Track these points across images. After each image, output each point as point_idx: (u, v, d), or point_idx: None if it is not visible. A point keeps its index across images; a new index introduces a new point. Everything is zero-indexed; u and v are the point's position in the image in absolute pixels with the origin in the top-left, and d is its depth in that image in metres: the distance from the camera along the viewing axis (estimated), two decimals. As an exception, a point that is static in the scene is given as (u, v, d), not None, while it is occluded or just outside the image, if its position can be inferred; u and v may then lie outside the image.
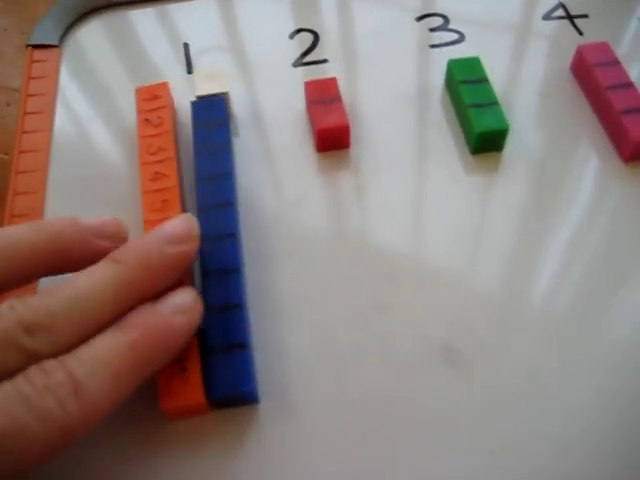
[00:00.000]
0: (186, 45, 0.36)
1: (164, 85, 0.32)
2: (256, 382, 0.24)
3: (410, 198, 0.29)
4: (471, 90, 0.30)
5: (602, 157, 0.30)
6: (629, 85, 0.30)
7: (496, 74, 0.32)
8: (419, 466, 0.23)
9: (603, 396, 0.24)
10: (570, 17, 0.36)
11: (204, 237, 0.26)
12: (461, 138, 0.31)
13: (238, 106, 0.33)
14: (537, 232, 0.28)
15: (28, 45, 0.36)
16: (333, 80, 0.32)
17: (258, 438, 0.23)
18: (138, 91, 0.32)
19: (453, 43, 0.35)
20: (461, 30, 0.36)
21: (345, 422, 0.23)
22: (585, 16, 0.36)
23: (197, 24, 0.37)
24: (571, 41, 0.34)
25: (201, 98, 0.31)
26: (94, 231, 0.24)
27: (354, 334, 0.25)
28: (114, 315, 0.21)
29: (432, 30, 0.36)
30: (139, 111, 0.31)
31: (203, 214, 0.27)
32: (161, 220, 0.24)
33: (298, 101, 0.33)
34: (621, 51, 0.33)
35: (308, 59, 0.35)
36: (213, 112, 0.30)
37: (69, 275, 0.22)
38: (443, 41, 0.35)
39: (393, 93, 0.33)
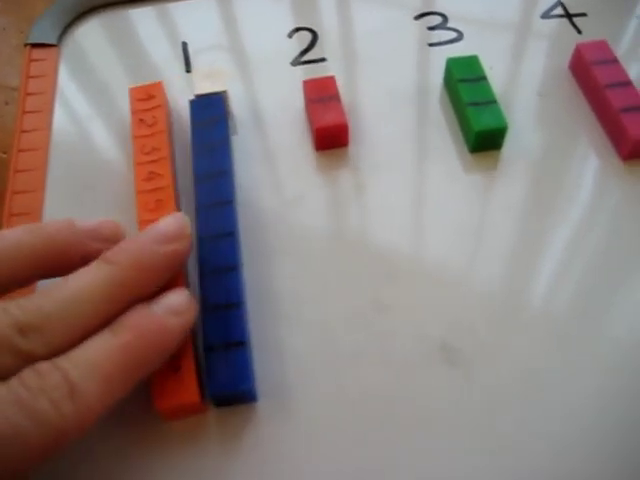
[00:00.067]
0: (184, 44, 0.36)
1: (158, 85, 0.32)
2: (255, 381, 0.24)
3: (409, 197, 0.29)
4: (470, 88, 0.30)
5: (601, 155, 0.30)
6: (628, 83, 0.30)
7: (495, 72, 0.32)
8: (419, 466, 0.22)
9: (603, 396, 0.24)
10: (569, 15, 0.36)
11: (203, 235, 0.26)
12: (460, 137, 0.31)
13: (237, 105, 0.33)
14: (536, 231, 0.28)
15: (27, 44, 0.36)
16: (331, 79, 0.32)
17: (256, 437, 0.23)
18: (132, 91, 0.31)
19: (452, 42, 0.35)
20: (460, 29, 0.36)
21: (344, 422, 0.23)
22: (584, 14, 0.36)
23: (196, 23, 0.37)
24: (570, 39, 0.34)
25: (200, 97, 0.31)
26: (90, 233, 0.24)
27: (353, 333, 0.25)
28: (108, 316, 0.21)
29: (431, 29, 0.36)
30: (133, 111, 0.31)
31: (202, 212, 0.27)
32: (155, 220, 0.24)
33: (297, 100, 0.33)
34: (620, 49, 0.33)
35: (307, 58, 0.35)
36: (212, 110, 0.30)
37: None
38: (442, 40, 0.35)
39: (392, 91, 0.33)
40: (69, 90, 0.34)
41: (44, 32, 0.36)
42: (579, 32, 0.35)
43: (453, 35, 0.35)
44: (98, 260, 0.22)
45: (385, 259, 0.27)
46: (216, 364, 0.23)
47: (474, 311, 0.26)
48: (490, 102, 0.30)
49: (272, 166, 0.31)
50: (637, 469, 0.22)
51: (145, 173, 0.28)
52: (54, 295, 0.21)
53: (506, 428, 0.23)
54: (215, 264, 0.25)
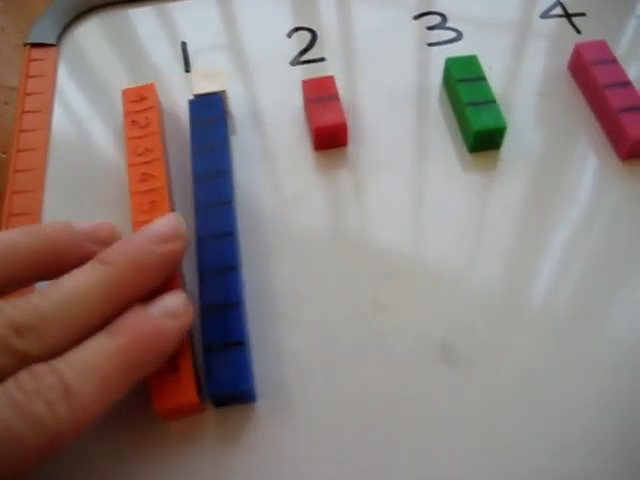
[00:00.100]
0: (184, 44, 0.36)
1: (151, 86, 0.32)
2: (253, 380, 0.24)
3: (408, 196, 0.29)
4: (469, 88, 0.30)
5: (600, 155, 0.30)
6: (627, 83, 0.30)
7: (494, 72, 0.32)
8: (419, 466, 0.22)
9: (603, 396, 0.24)
10: (568, 15, 0.36)
11: (202, 235, 0.26)
12: (459, 136, 0.31)
13: (236, 104, 0.33)
14: (535, 230, 0.28)
15: (26, 44, 0.36)
16: (330, 78, 0.32)
17: (255, 437, 0.23)
18: (125, 92, 0.31)
19: (451, 41, 0.35)
20: (459, 28, 0.36)
21: (343, 422, 0.23)
22: (583, 14, 0.36)
23: (195, 23, 0.37)
24: (569, 39, 0.34)
25: (199, 96, 0.31)
26: (88, 235, 0.24)
27: (353, 333, 0.25)
28: (104, 316, 0.21)
29: (430, 28, 0.36)
30: (126, 113, 0.31)
31: (201, 212, 0.27)
32: (150, 221, 0.24)
33: (296, 99, 0.33)
34: (619, 49, 0.33)
35: (306, 57, 0.35)
36: (211, 110, 0.30)
37: None
38: (441, 39, 0.35)
39: (391, 91, 0.33)
40: (68, 90, 0.34)
41: (43, 32, 0.36)
42: (578, 32, 0.35)
43: (452, 35, 0.35)
44: (93, 260, 0.22)
45: (384, 259, 0.27)
46: (215, 364, 0.23)
47: (474, 311, 0.26)
48: (489, 102, 0.30)
49: (271, 166, 0.31)
50: (637, 469, 0.22)
51: (138, 174, 0.28)
52: (50, 295, 0.21)
53: (506, 428, 0.23)
54: (214, 264, 0.25)
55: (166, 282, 0.24)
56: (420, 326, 0.25)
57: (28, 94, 0.34)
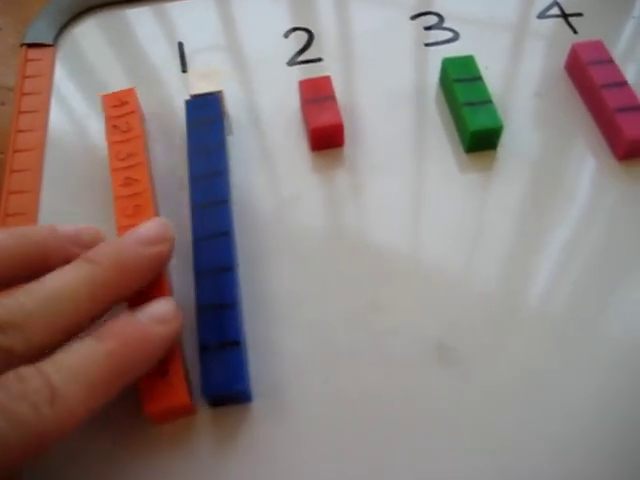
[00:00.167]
0: (180, 44, 0.36)
1: (131, 91, 0.32)
2: (249, 381, 0.24)
3: (405, 196, 0.29)
4: (465, 88, 0.30)
5: (596, 155, 0.30)
6: (623, 83, 0.30)
7: (490, 72, 0.32)
8: (418, 466, 0.22)
9: (602, 396, 0.24)
10: (565, 15, 0.36)
11: (198, 235, 0.26)
12: (455, 136, 0.31)
13: (233, 105, 0.33)
14: (532, 231, 0.28)
15: (23, 44, 0.36)
16: (327, 79, 0.32)
17: (251, 437, 0.23)
18: (105, 98, 0.31)
19: (448, 42, 0.35)
20: (456, 29, 0.36)
21: (339, 422, 0.23)
22: (580, 14, 0.36)
23: (193, 23, 0.37)
24: (566, 40, 0.34)
25: (195, 97, 0.31)
26: (71, 238, 0.24)
27: (350, 334, 0.25)
28: (90, 315, 0.22)
29: (427, 29, 0.36)
30: (107, 118, 0.31)
31: (197, 212, 0.27)
32: (135, 225, 0.24)
33: (293, 100, 0.33)
34: (615, 49, 0.33)
35: (303, 58, 0.35)
36: (207, 111, 0.30)
37: None
38: (438, 39, 0.35)
39: (388, 91, 0.33)
40: (65, 90, 0.34)
41: (40, 32, 0.36)
42: (575, 32, 0.35)
43: (449, 35, 0.35)
44: (79, 259, 0.22)
45: (381, 259, 0.27)
46: (211, 364, 0.23)
47: (473, 311, 0.26)
48: (485, 102, 0.30)
49: (268, 166, 0.31)
50: (637, 469, 0.22)
51: (122, 179, 0.28)
52: (35, 293, 0.21)
53: (506, 428, 0.23)
54: (210, 264, 0.25)
55: (155, 288, 0.24)
56: (418, 326, 0.25)
57: (25, 94, 0.34)
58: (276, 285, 0.27)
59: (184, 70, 0.35)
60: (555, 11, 0.36)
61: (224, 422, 0.23)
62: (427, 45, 0.35)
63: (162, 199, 0.29)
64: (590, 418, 0.23)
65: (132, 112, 0.31)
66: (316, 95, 0.31)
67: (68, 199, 0.30)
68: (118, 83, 0.34)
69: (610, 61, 0.31)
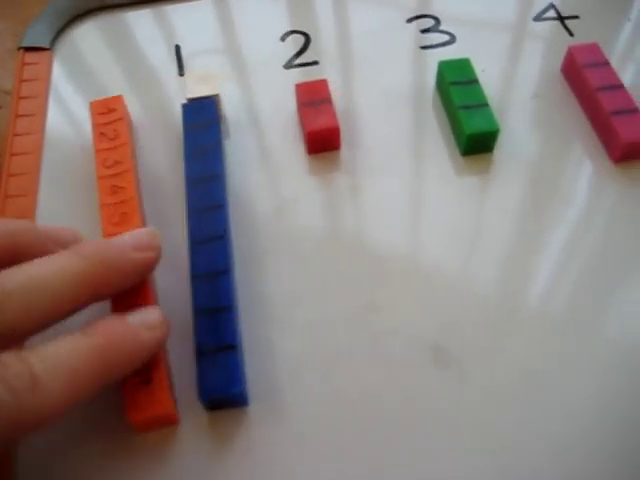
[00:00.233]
0: (177, 47, 0.36)
1: (119, 98, 0.32)
2: (246, 384, 0.24)
3: (402, 199, 0.29)
4: (461, 91, 0.30)
5: (592, 158, 0.30)
6: (619, 86, 0.30)
7: (487, 75, 0.32)
8: (418, 466, 0.22)
9: (602, 396, 0.24)
10: (561, 18, 0.36)
11: (194, 239, 0.26)
12: (452, 139, 0.31)
13: (230, 108, 0.33)
14: (529, 233, 0.28)
15: (20, 47, 0.36)
16: (323, 82, 0.32)
17: (248, 440, 0.23)
18: (92, 105, 0.31)
19: (444, 44, 0.35)
20: (452, 31, 0.36)
21: (337, 424, 0.23)
22: (576, 17, 0.36)
23: (191, 26, 0.37)
24: (562, 42, 0.34)
25: (192, 100, 0.31)
26: (51, 236, 0.24)
27: (347, 335, 0.25)
28: (70, 306, 0.22)
29: (423, 32, 0.36)
30: (94, 125, 0.31)
31: (193, 216, 0.27)
32: (121, 233, 0.25)
33: (289, 103, 0.33)
34: (611, 52, 0.33)
35: (300, 61, 0.35)
36: (204, 114, 0.30)
37: None
38: (434, 42, 0.35)
39: (384, 94, 0.33)
40: (62, 93, 0.34)
41: (37, 36, 0.37)
42: (571, 35, 0.35)
43: (445, 38, 0.35)
44: (68, 251, 0.22)
45: (378, 261, 0.27)
46: (207, 368, 0.23)
47: (470, 312, 0.26)
48: (482, 105, 0.30)
49: (265, 169, 0.31)
50: (637, 469, 0.22)
51: (108, 186, 0.28)
52: (17, 276, 0.21)
53: (506, 428, 0.23)
54: (206, 268, 0.25)
55: (140, 295, 0.24)
56: (417, 327, 0.25)
57: (22, 98, 0.34)
58: (274, 286, 0.27)
59: (181, 73, 0.35)
60: (551, 14, 0.36)
61: (221, 425, 0.23)
62: (423, 48, 0.35)
63: (156, 203, 0.29)
64: (590, 418, 0.23)
65: (119, 119, 0.31)
66: (312, 98, 0.31)
67: (65, 202, 0.30)
68: (115, 86, 0.34)
69: (606, 64, 0.31)
